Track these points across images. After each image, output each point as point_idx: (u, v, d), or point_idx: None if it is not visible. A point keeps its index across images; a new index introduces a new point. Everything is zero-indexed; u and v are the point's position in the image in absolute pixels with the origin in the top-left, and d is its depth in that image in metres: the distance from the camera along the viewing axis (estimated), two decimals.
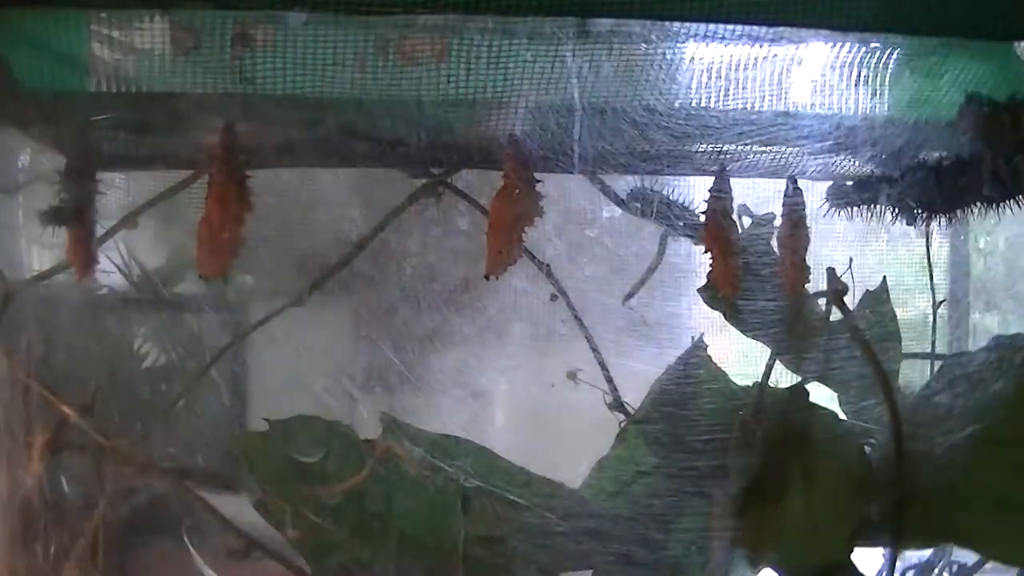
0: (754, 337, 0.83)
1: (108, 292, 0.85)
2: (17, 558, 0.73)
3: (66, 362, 0.75)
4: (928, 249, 0.84)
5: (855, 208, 0.74)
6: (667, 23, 0.57)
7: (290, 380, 0.89)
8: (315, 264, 0.80)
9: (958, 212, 0.72)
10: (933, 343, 0.88)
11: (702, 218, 0.71)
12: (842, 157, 0.72)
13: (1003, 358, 0.72)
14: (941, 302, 0.89)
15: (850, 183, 0.74)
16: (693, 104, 0.65)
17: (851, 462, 0.64)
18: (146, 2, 0.55)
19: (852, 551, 0.63)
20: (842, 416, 0.81)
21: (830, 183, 0.76)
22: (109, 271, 0.80)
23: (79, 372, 0.74)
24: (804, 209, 0.71)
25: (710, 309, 0.79)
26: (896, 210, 0.72)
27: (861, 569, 0.65)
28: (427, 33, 0.59)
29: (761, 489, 0.63)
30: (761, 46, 0.62)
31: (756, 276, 0.77)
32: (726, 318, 0.80)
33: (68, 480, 0.73)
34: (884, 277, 0.81)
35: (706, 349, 0.79)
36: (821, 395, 0.79)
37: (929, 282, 0.87)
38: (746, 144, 0.69)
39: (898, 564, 0.68)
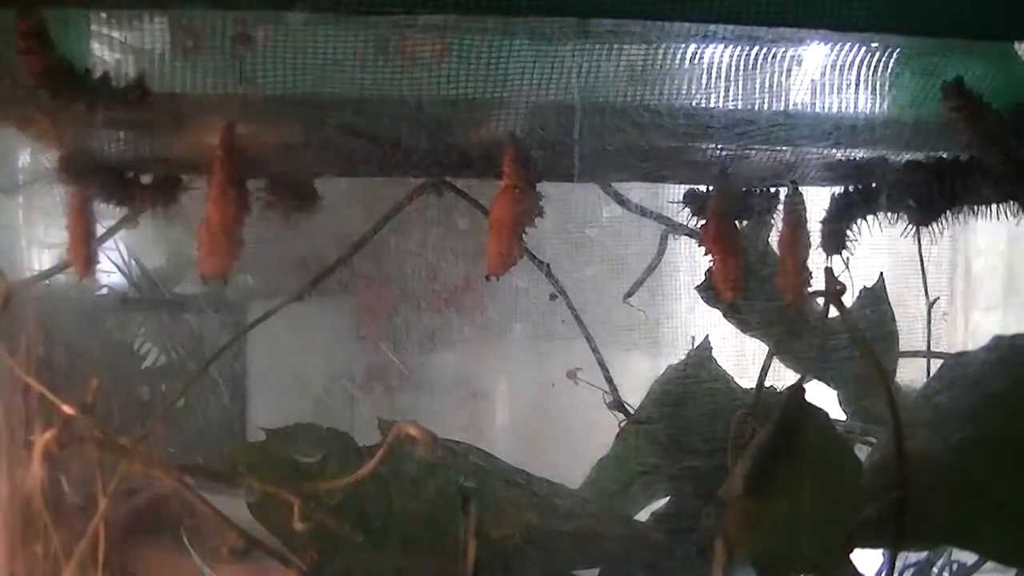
0: (754, 335, 0.83)
1: (108, 292, 0.85)
2: (17, 558, 0.73)
3: (66, 362, 0.75)
4: (919, 248, 0.84)
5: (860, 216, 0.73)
6: (667, 23, 0.57)
7: (290, 380, 0.89)
8: (315, 264, 0.80)
9: (958, 211, 0.72)
10: (928, 342, 0.88)
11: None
12: (841, 158, 0.72)
13: (1003, 358, 0.72)
14: (935, 301, 0.89)
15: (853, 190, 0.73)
16: (693, 104, 0.65)
17: (842, 464, 0.64)
18: (146, 2, 0.55)
19: (847, 553, 0.63)
20: (841, 416, 0.82)
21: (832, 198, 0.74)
22: (109, 271, 0.80)
23: (79, 372, 0.74)
24: (805, 212, 0.71)
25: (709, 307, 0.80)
26: (896, 211, 0.72)
27: (861, 569, 0.65)
28: (427, 33, 0.59)
29: (750, 487, 0.63)
30: (761, 46, 0.62)
31: (755, 276, 0.77)
32: (725, 316, 0.80)
33: (68, 480, 0.73)
34: (881, 274, 0.81)
35: (711, 350, 0.79)
36: (823, 395, 0.80)
37: (923, 281, 0.87)
38: (746, 145, 0.69)
39: (898, 564, 0.68)
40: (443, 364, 0.90)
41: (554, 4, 0.53)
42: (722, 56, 0.62)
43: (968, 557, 0.80)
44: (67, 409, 0.68)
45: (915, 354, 0.87)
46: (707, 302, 0.78)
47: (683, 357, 0.82)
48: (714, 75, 0.63)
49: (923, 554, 0.80)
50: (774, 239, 0.75)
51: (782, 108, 0.66)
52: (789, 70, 0.64)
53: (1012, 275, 1.06)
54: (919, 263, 0.87)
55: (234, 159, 0.63)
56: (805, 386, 0.68)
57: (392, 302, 0.87)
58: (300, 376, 0.88)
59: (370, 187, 0.83)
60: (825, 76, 0.65)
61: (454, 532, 0.68)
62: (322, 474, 0.70)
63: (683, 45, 0.62)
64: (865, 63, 0.64)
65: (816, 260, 0.71)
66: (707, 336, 0.80)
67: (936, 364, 0.83)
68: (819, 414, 0.66)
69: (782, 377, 0.78)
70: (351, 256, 0.78)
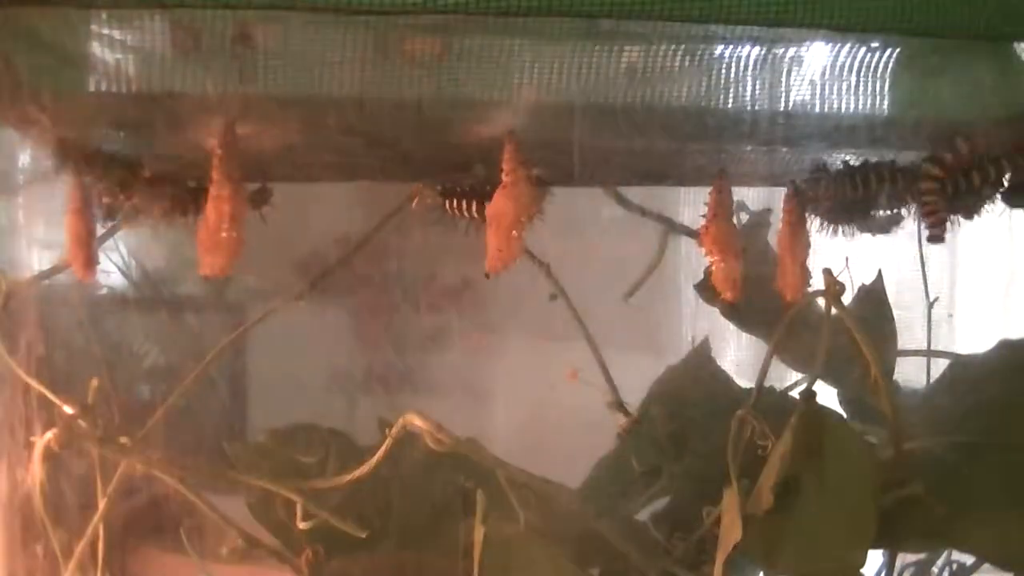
0: (752, 333, 0.83)
1: (108, 292, 0.85)
2: (17, 558, 0.73)
3: (66, 362, 0.75)
4: (920, 248, 0.84)
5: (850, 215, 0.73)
6: (667, 23, 0.57)
7: (290, 380, 0.89)
8: (315, 264, 0.80)
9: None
10: (928, 342, 0.88)
11: None
12: (841, 157, 0.72)
13: (1007, 361, 0.72)
14: (934, 300, 0.89)
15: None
16: (693, 104, 0.65)
17: (865, 468, 0.63)
18: (146, 2, 0.55)
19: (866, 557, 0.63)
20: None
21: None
22: (109, 271, 0.80)
23: (79, 372, 0.74)
24: (805, 211, 0.71)
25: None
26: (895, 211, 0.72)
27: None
28: (427, 33, 0.59)
29: (773, 496, 0.62)
30: (761, 46, 0.62)
31: (754, 274, 0.76)
32: (723, 315, 0.80)
33: (68, 480, 0.73)
34: (880, 271, 0.81)
35: (710, 350, 0.79)
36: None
37: (923, 280, 0.87)
38: (746, 145, 0.69)
39: (897, 563, 0.68)
40: (443, 364, 0.90)
41: (555, 4, 0.53)
42: (722, 56, 0.63)
43: (968, 557, 0.80)
44: (67, 409, 0.68)
45: (915, 353, 0.87)
46: (705, 299, 0.78)
47: (683, 357, 0.82)
48: (714, 75, 0.63)
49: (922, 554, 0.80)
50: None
51: (782, 108, 0.66)
52: (789, 70, 0.64)
53: (1012, 277, 1.06)
54: (920, 263, 0.87)
55: (233, 158, 0.63)
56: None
57: (392, 302, 0.87)
58: (300, 376, 0.88)
59: (370, 187, 0.83)
60: (825, 76, 0.65)
61: (455, 532, 0.68)
62: (322, 474, 0.70)
63: (683, 45, 0.62)
64: (865, 63, 0.64)
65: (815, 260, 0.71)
66: (707, 336, 0.80)
67: (935, 364, 0.83)
68: (834, 417, 0.66)
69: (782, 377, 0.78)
70: (351, 256, 0.78)
